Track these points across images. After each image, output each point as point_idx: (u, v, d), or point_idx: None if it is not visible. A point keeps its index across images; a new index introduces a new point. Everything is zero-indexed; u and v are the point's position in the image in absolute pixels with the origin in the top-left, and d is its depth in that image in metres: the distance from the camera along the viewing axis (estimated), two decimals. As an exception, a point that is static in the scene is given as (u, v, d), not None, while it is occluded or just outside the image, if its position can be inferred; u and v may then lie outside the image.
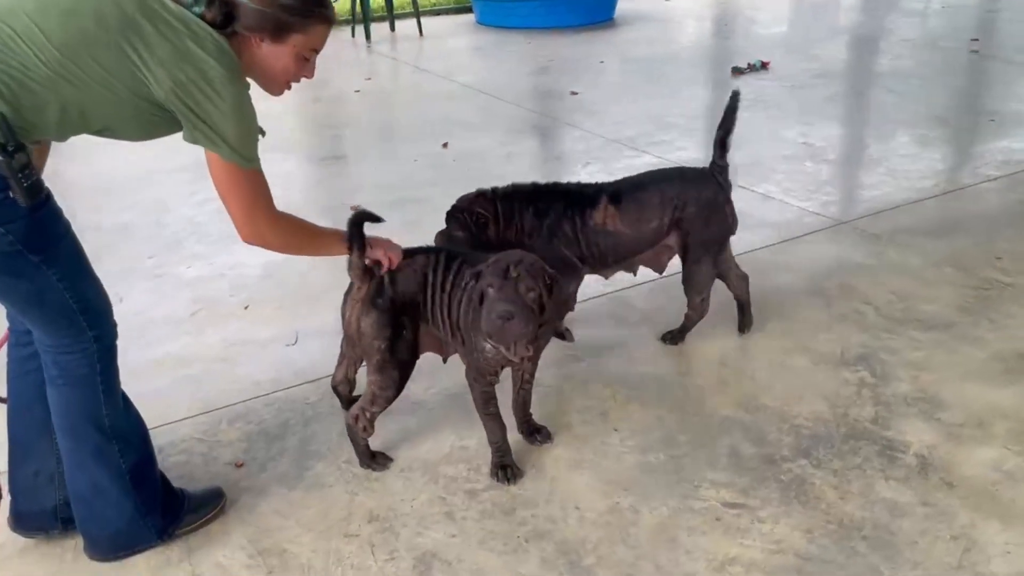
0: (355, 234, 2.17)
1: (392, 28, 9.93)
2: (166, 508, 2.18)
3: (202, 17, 1.84)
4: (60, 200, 1.91)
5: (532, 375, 2.46)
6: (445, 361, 2.48)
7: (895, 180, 4.52)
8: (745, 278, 3.01)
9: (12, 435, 2.15)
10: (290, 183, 4.83)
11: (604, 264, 2.84)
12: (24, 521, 2.18)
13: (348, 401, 2.61)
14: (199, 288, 3.57)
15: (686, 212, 2.76)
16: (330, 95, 7.04)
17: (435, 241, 2.72)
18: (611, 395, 2.73)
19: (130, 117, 1.85)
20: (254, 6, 1.88)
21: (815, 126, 5.53)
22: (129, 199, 4.66)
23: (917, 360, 2.85)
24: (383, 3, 10.02)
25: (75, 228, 1.94)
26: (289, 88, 2.08)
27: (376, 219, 2.23)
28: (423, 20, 10.03)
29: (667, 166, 3.95)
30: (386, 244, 2.26)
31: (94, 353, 1.97)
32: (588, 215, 2.71)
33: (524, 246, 2.62)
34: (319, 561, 2.11)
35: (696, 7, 10.96)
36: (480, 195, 2.73)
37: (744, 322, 3.05)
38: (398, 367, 2.28)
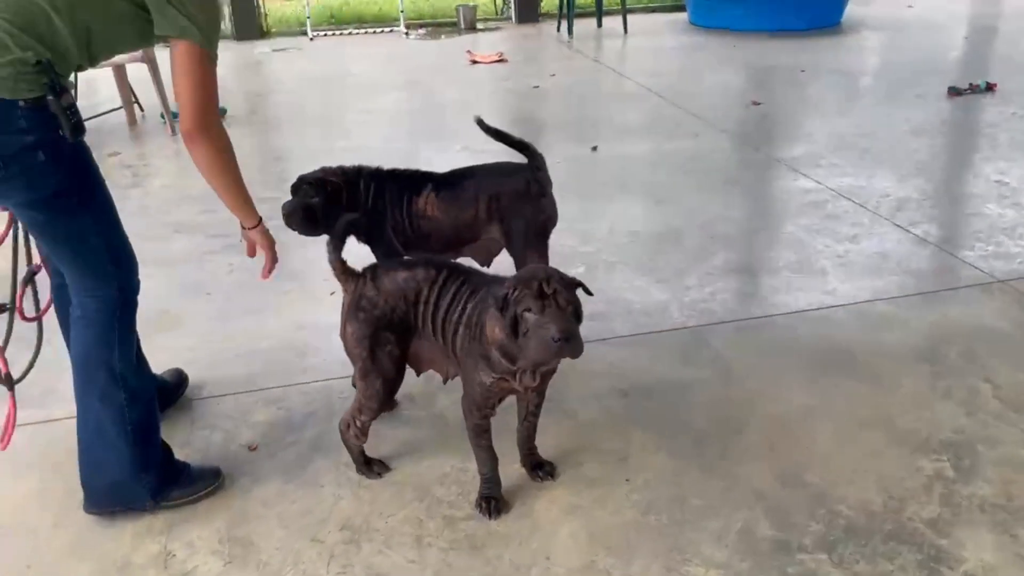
0: (339, 236, 2.23)
1: (599, 24, 9.84)
2: (164, 473, 2.29)
3: None
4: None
5: (538, 406, 2.31)
6: (445, 382, 2.39)
7: (1093, 236, 3.81)
8: None
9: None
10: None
11: (428, 250, 2.83)
12: None
13: None
14: (300, 270, 3.71)
15: (500, 204, 2.80)
16: (509, 89, 7.10)
17: (282, 210, 2.76)
18: (640, 440, 2.51)
19: (118, 21, 2.01)
20: None
21: (1021, 163, 4.78)
22: (292, 174, 4.95)
23: (1019, 459, 2.37)
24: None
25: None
26: None
27: (350, 233, 2.38)
28: (635, 17, 9.88)
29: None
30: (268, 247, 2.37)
31: (114, 301, 2.16)
32: (414, 201, 2.79)
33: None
34: (277, 560, 2.12)
35: (941, 16, 9.89)
36: (330, 171, 2.79)
37: None
38: (381, 378, 2.23)
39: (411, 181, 2.86)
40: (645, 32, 9.52)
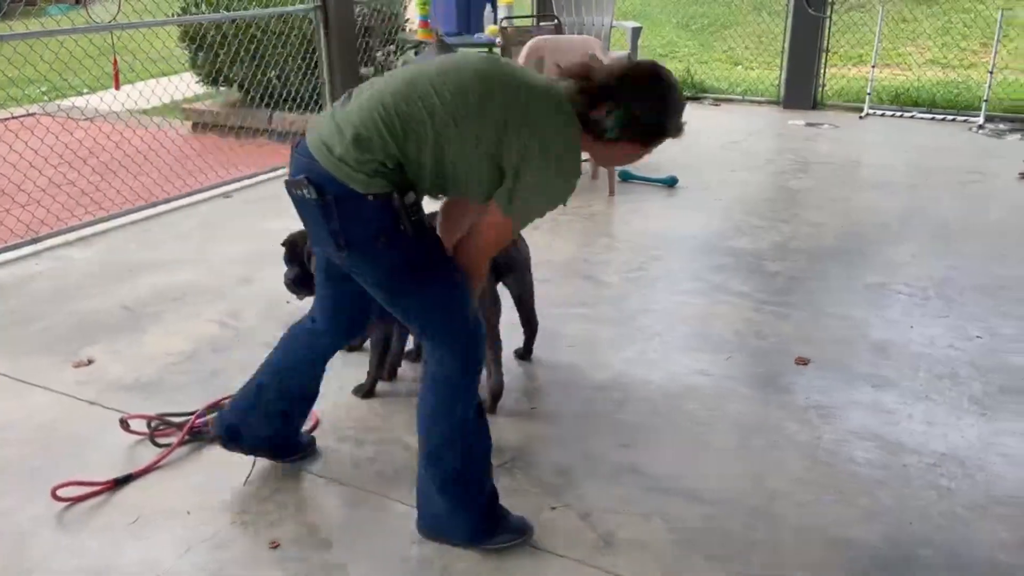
0: None
1: None
2: (481, 519, 2.44)
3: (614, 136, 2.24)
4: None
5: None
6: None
7: None
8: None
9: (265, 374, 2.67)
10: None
11: None
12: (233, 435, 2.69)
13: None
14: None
15: None
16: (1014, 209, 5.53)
17: None
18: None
19: (476, 173, 2.21)
20: (647, 120, 2.25)
21: None
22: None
23: None
24: None
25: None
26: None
27: None
28: None
29: None
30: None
31: (455, 370, 2.33)
32: None
33: None
34: None
35: None
36: None
37: None
38: None
39: None
40: None
